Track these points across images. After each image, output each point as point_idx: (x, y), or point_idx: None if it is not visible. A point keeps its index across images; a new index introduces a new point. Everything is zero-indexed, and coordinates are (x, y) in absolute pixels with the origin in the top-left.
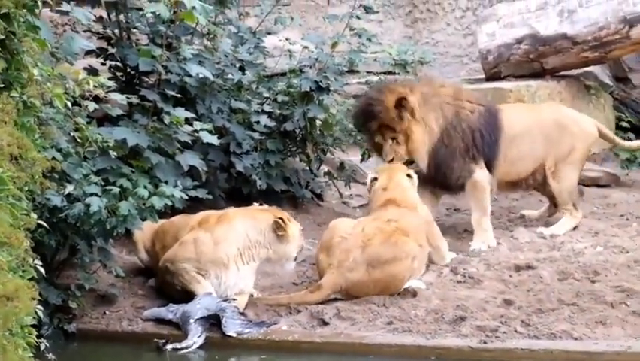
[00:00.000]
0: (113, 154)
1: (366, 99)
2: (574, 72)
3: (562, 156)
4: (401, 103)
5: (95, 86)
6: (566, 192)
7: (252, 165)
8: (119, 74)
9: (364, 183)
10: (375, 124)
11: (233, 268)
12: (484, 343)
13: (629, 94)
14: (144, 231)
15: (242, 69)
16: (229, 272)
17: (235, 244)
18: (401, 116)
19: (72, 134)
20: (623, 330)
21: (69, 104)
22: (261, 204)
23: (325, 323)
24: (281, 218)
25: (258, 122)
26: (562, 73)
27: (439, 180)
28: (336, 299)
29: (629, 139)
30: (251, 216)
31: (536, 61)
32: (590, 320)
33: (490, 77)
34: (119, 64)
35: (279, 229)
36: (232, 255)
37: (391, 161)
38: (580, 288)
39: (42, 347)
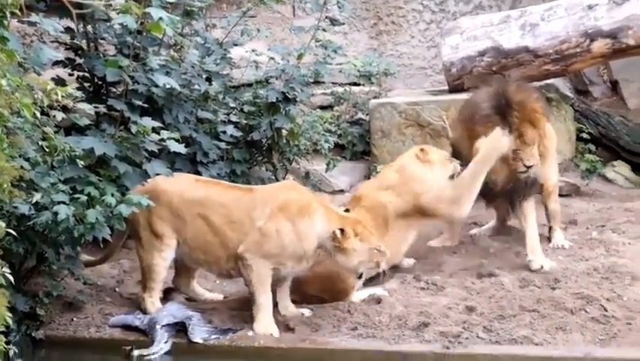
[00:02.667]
0: (81, 163)
1: (494, 92)
2: (536, 84)
3: None
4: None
5: (62, 96)
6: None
7: (218, 174)
8: (86, 84)
9: (330, 193)
10: (512, 120)
11: (306, 264)
12: (447, 348)
13: (589, 106)
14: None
15: (208, 80)
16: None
17: (313, 242)
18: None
19: (40, 143)
20: (582, 336)
21: (37, 113)
22: (347, 210)
23: (290, 329)
24: (342, 229)
25: (224, 132)
26: None
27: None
28: (301, 306)
29: (590, 150)
30: (328, 216)
31: (499, 73)
32: (551, 325)
33: (454, 89)
34: (86, 74)
35: (334, 240)
36: (310, 252)
37: (530, 167)
38: (540, 295)
39: (11, 353)
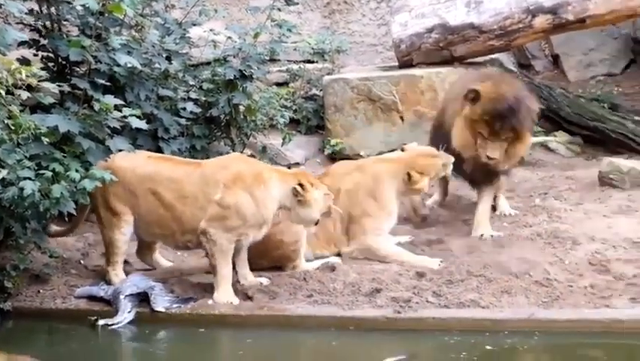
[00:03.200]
0: (46, 140)
1: (515, 100)
2: (481, 59)
3: None
4: (537, 115)
5: (27, 75)
6: None
7: (179, 149)
8: (50, 64)
9: (286, 166)
10: (510, 124)
11: (265, 230)
12: (398, 313)
13: (531, 79)
14: None
15: (168, 59)
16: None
17: (273, 208)
18: (532, 127)
19: (5, 121)
20: (527, 298)
21: (2, 92)
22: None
23: (249, 297)
24: (300, 184)
25: (184, 109)
26: (469, 60)
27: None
28: (259, 275)
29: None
30: (283, 179)
31: (446, 49)
32: (496, 289)
33: (403, 65)
34: (50, 54)
35: (297, 195)
36: (270, 218)
37: (491, 160)
38: (487, 260)
39: None
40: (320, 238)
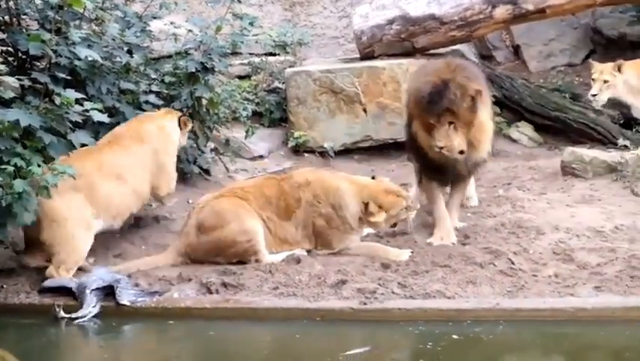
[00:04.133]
0: (7, 135)
1: (437, 83)
2: (442, 50)
3: None
4: (476, 96)
5: None
6: None
7: None
8: (10, 58)
9: (250, 159)
10: (439, 107)
11: None
12: (364, 304)
13: (493, 70)
14: None
15: (129, 52)
16: None
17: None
18: (472, 108)
19: None
20: (492, 288)
21: None
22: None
23: (215, 291)
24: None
25: (146, 102)
26: (431, 51)
27: (458, 172)
28: (225, 268)
29: (495, 112)
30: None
31: (407, 40)
32: (462, 280)
33: (365, 57)
34: (10, 49)
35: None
36: None
37: (442, 148)
38: (451, 251)
39: None
40: (276, 237)
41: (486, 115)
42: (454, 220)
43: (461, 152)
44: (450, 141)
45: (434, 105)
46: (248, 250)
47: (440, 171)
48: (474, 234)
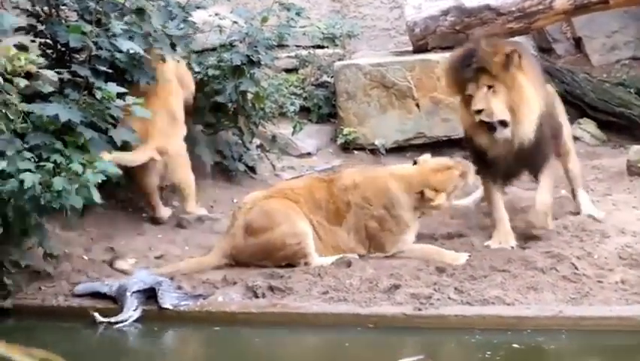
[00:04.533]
0: (46, 130)
1: (468, 46)
2: None
3: None
4: (511, 54)
5: (27, 62)
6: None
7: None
8: (49, 51)
9: (297, 156)
10: (472, 70)
11: None
12: (419, 310)
13: (553, 64)
14: None
15: (172, 45)
16: None
17: None
18: (507, 65)
19: (3, 110)
20: (554, 295)
21: (1, 80)
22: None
23: (261, 295)
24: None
25: None
26: None
27: (523, 164)
28: (272, 271)
29: None
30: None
31: (462, 32)
32: (522, 285)
33: (418, 49)
34: (48, 41)
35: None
36: None
37: (480, 112)
38: (511, 254)
39: None
40: (327, 243)
41: (529, 84)
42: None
43: (503, 122)
44: (488, 103)
45: (466, 67)
46: (297, 252)
47: (488, 161)
48: (535, 237)
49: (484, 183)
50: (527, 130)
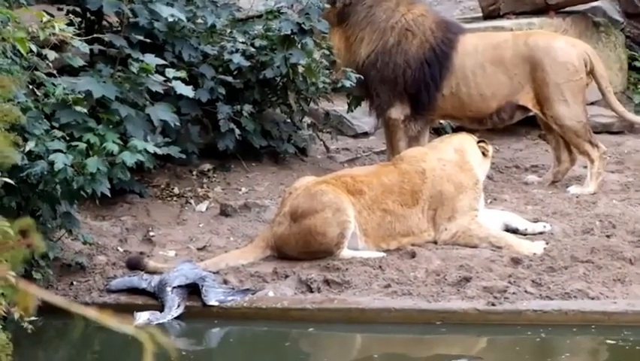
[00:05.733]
0: (79, 108)
1: None
2: (580, 7)
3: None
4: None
5: (61, 30)
6: (571, 132)
7: (229, 113)
8: (77, 19)
9: (352, 136)
10: None
11: None
12: (493, 305)
13: None
14: None
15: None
16: None
17: None
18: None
19: (31, 86)
20: None
21: (34, 48)
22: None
23: (316, 289)
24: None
25: (230, 61)
26: (567, 9)
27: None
28: (327, 263)
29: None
30: None
31: None
32: (607, 277)
33: (488, 15)
34: (77, 9)
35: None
36: None
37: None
38: (594, 244)
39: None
40: (396, 231)
41: None
42: None
43: None
44: None
45: None
46: (338, 243)
47: None
48: (621, 224)
49: None
50: None
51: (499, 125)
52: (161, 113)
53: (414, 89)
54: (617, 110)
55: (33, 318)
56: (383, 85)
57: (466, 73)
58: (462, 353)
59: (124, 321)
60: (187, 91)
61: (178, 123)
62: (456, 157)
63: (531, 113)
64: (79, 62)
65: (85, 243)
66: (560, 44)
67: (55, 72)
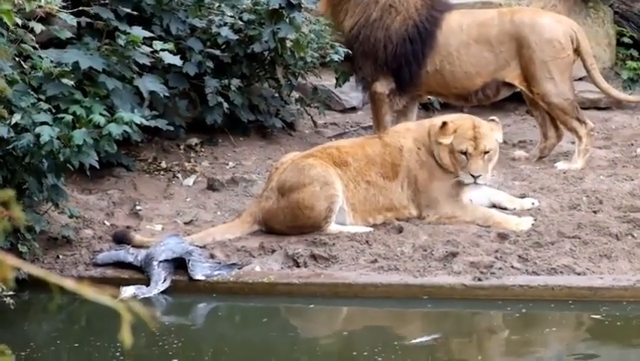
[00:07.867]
0: (65, 80)
1: None
2: None
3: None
4: None
5: (47, 2)
6: (558, 109)
7: (216, 87)
8: None
9: (340, 111)
10: None
11: None
12: (479, 280)
13: (630, 7)
14: None
15: None
16: None
17: None
18: None
19: (17, 59)
20: (630, 263)
21: (19, 21)
22: None
23: (303, 263)
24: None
25: (218, 34)
26: None
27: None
28: (314, 238)
29: (632, 57)
30: None
31: None
32: (594, 253)
33: None
34: None
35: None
36: None
37: None
38: (581, 219)
39: None
40: (380, 204)
41: None
42: None
43: None
44: None
45: None
46: (326, 216)
47: None
48: (608, 200)
49: None
50: None
51: (485, 102)
52: (150, 84)
53: (395, 65)
54: (602, 87)
55: (18, 293)
56: (365, 59)
57: (450, 51)
58: (446, 328)
59: (101, 292)
60: (175, 61)
61: (167, 94)
62: None
63: (517, 90)
64: (66, 34)
65: (71, 216)
66: (546, 21)
67: (37, 46)
